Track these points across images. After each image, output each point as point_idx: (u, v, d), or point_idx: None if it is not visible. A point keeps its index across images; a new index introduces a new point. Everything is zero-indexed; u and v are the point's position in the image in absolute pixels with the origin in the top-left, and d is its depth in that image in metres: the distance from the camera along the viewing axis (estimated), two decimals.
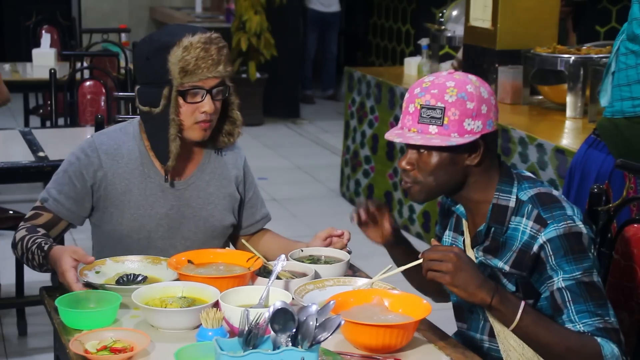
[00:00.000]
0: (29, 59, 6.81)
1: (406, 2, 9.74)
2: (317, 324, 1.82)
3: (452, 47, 6.69)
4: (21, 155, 4.09)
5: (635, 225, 2.39)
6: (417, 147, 2.14)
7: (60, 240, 2.99)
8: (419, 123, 2.10)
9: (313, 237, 2.65)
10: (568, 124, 4.58)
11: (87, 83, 5.64)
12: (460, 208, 2.25)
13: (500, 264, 2.17)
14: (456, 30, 5.87)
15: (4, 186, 6.20)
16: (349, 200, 6.66)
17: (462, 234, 2.28)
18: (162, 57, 2.46)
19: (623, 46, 3.19)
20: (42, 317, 3.97)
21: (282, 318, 1.82)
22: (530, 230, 2.12)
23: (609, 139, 3.20)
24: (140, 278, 2.39)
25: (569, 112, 4.62)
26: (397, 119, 5.48)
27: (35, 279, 4.17)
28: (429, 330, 2.20)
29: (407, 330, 2.06)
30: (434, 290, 2.47)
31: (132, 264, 2.47)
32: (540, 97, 5.12)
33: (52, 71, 5.45)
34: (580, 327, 2.06)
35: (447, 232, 2.34)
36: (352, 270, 2.60)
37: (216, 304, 2.15)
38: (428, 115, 2.09)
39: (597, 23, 7.87)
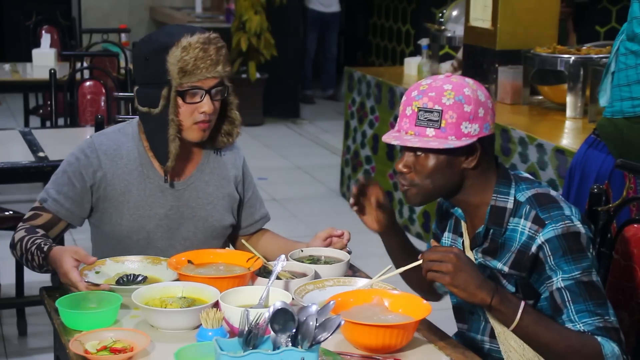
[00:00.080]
0: (29, 59, 6.80)
1: (406, 2, 9.74)
2: (317, 324, 1.82)
3: (452, 47, 6.69)
4: (21, 155, 4.09)
5: (635, 225, 2.39)
6: (414, 150, 2.14)
7: (60, 241, 2.99)
8: (417, 126, 2.10)
9: (313, 237, 2.65)
10: (568, 124, 4.58)
11: (87, 83, 5.63)
12: (458, 210, 2.25)
13: (499, 265, 2.17)
14: (456, 30, 5.87)
15: (4, 186, 6.20)
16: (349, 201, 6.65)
17: (461, 235, 2.28)
18: (160, 57, 2.46)
19: (623, 46, 3.19)
20: (42, 317, 3.97)
21: (282, 318, 1.82)
22: (529, 231, 2.12)
23: (609, 139, 3.20)
24: (140, 278, 2.39)
25: (569, 112, 4.62)
26: (397, 119, 5.47)
27: (35, 279, 4.17)
28: (429, 330, 2.20)
29: (407, 330, 2.06)
30: (426, 289, 2.46)
31: (132, 264, 2.47)
32: (540, 97, 5.12)
33: (52, 71, 5.45)
34: (580, 327, 2.06)
35: (446, 233, 2.34)
36: (352, 271, 2.60)
37: (216, 304, 2.15)
38: (425, 118, 2.09)
39: (597, 23, 7.87)
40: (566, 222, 2.09)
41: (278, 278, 2.31)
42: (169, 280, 2.35)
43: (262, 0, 8.92)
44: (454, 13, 5.98)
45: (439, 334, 2.19)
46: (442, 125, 2.08)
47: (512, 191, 2.17)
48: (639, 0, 3.13)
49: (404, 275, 2.45)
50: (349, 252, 2.58)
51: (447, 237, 2.33)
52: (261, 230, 2.83)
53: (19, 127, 4.95)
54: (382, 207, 2.34)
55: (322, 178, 7.33)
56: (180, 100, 2.50)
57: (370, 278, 2.40)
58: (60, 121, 5.72)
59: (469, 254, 2.22)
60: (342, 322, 1.86)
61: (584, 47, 4.78)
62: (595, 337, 2.04)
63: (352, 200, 2.36)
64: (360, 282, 2.36)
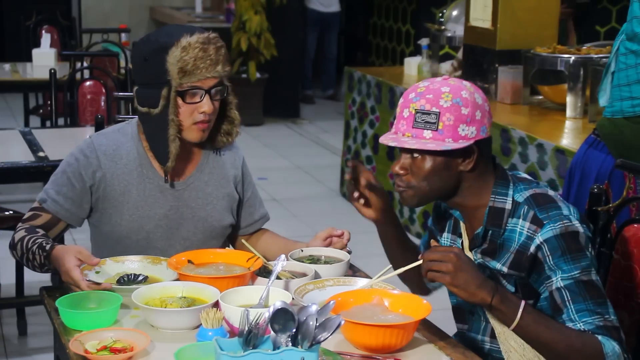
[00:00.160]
0: (29, 59, 6.80)
1: (406, 2, 9.74)
2: (317, 324, 1.82)
3: (452, 47, 6.70)
4: (21, 155, 4.09)
5: (635, 225, 2.39)
6: (410, 152, 2.14)
7: (60, 241, 2.99)
8: (414, 128, 2.11)
9: (313, 237, 2.65)
10: (568, 124, 4.58)
11: (87, 83, 5.63)
12: (457, 211, 2.25)
13: (498, 265, 2.17)
14: (456, 30, 5.87)
15: (4, 186, 6.20)
16: (349, 201, 6.66)
17: (460, 236, 2.28)
18: (160, 57, 2.46)
19: (623, 46, 3.19)
20: (42, 317, 3.97)
21: (282, 318, 1.82)
22: (527, 231, 2.12)
23: (609, 139, 3.20)
24: (140, 278, 2.39)
25: (569, 112, 4.62)
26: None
27: (35, 279, 4.17)
28: (429, 330, 2.20)
29: (407, 330, 2.06)
30: (415, 282, 2.46)
31: (133, 264, 2.47)
32: (540, 97, 5.12)
33: (52, 71, 5.44)
34: (580, 326, 2.06)
35: (445, 234, 2.34)
36: (352, 270, 2.60)
37: (216, 304, 2.15)
38: (423, 120, 2.10)
39: (597, 23, 7.87)
40: (564, 221, 2.09)
41: (278, 278, 2.31)
42: (169, 280, 2.35)
43: (262, 0, 8.92)
44: (454, 13, 5.98)
45: (439, 334, 2.19)
46: (440, 127, 2.08)
47: (510, 192, 2.17)
48: (638, 0, 3.13)
49: (393, 264, 2.44)
50: (349, 252, 2.58)
51: (446, 238, 2.33)
52: (261, 230, 2.83)
53: (19, 127, 4.94)
54: (373, 188, 2.34)
55: (322, 178, 7.33)
56: (180, 100, 2.50)
57: (370, 278, 2.40)
58: (60, 121, 5.72)
59: (468, 254, 2.22)
60: (342, 322, 1.86)
61: (584, 47, 4.79)
62: (596, 336, 2.04)
63: (347, 175, 2.34)
64: (360, 282, 2.36)
